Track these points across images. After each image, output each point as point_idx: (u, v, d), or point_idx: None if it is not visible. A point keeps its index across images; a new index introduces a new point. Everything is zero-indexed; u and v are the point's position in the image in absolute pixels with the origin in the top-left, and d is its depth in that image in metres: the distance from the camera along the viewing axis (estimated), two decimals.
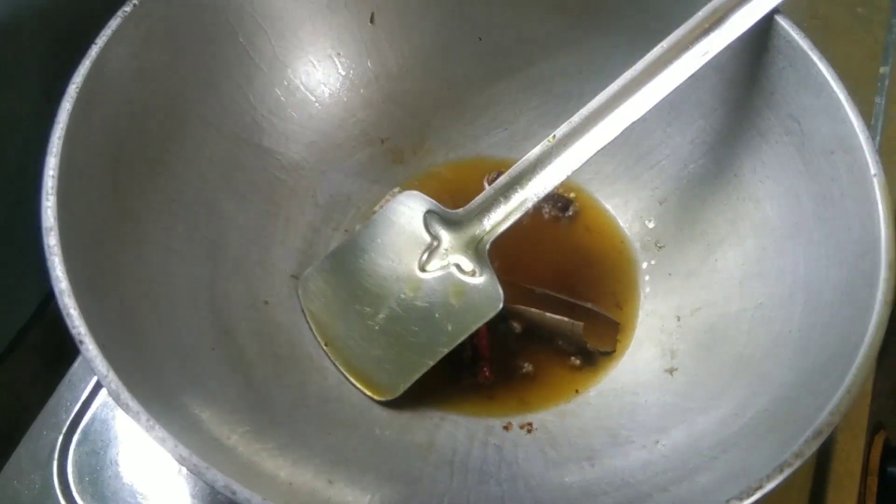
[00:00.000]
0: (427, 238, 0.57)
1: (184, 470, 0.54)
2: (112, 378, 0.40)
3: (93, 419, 0.57)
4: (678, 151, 0.62)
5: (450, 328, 0.56)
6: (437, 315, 0.56)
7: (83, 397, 0.58)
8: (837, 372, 0.43)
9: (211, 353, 0.51)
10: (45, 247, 0.42)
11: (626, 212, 0.66)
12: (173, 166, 0.55)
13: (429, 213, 0.57)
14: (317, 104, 0.64)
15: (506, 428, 0.56)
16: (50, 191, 0.44)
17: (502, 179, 0.55)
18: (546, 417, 0.56)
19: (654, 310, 0.61)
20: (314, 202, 0.64)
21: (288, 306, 0.59)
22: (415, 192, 0.59)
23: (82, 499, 0.54)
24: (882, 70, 0.76)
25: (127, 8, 0.50)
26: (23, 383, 0.61)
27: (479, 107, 0.68)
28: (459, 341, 0.56)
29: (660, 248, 0.62)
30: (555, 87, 0.66)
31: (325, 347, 0.58)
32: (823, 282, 0.50)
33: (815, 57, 0.52)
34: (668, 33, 0.53)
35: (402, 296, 0.57)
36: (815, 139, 0.52)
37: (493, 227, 0.56)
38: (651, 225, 0.64)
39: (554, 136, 0.54)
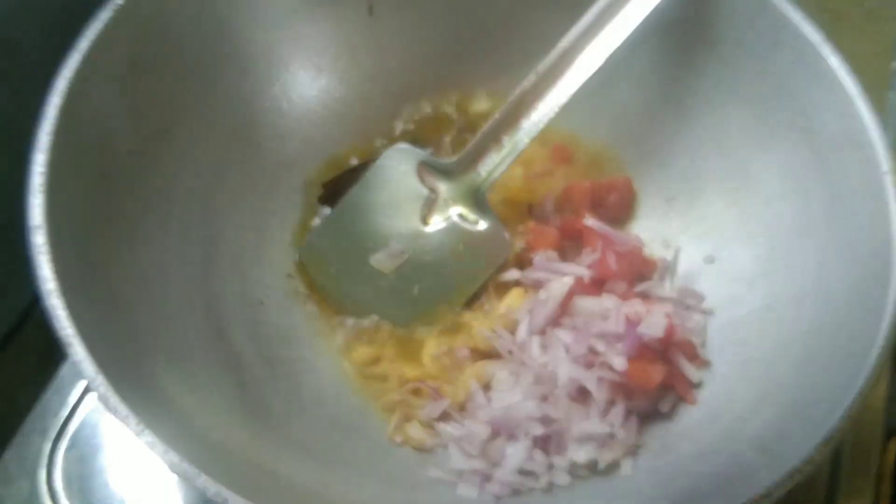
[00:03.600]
0: (424, 191, 0.56)
1: (175, 477, 0.53)
2: (101, 381, 0.39)
3: (82, 424, 0.56)
4: (685, 148, 0.61)
5: (461, 280, 0.55)
6: (446, 268, 0.56)
7: (72, 401, 0.57)
8: (849, 375, 0.42)
9: (204, 356, 0.50)
10: (33, 246, 0.42)
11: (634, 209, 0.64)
12: (166, 163, 0.54)
13: (421, 164, 0.57)
14: (313, 100, 0.63)
15: None
16: (37, 188, 0.43)
17: (490, 123, 0.55)
18: None
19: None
20: (310, 200, 0.63)
21: (284, 306, 0.58)
22: (404, 146, 0.58)
23: None
24: (894, 65, 0.75)
25: (119, 0, 0.49)
26: (11, 386, 0.60)
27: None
28: (473, 292, 0.55)
29: (667, 246, 0.61)
30: None
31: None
32: (834, 282, 0.49)
33: (825, 51, 0.51)
34: None
35: (408, 253, 0.56)
36: (825, 135, 0.51)
37: (489, 173, 0.55)
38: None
39: (536, 72, 0.54)
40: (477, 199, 0.55)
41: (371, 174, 0.58)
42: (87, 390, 0.57)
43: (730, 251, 0.57)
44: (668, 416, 0.52)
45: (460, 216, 0.56)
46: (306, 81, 0.63)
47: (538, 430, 0.49)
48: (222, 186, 0.58)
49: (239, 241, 0.58)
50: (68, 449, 0.55)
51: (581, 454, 0.49)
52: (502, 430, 0.50)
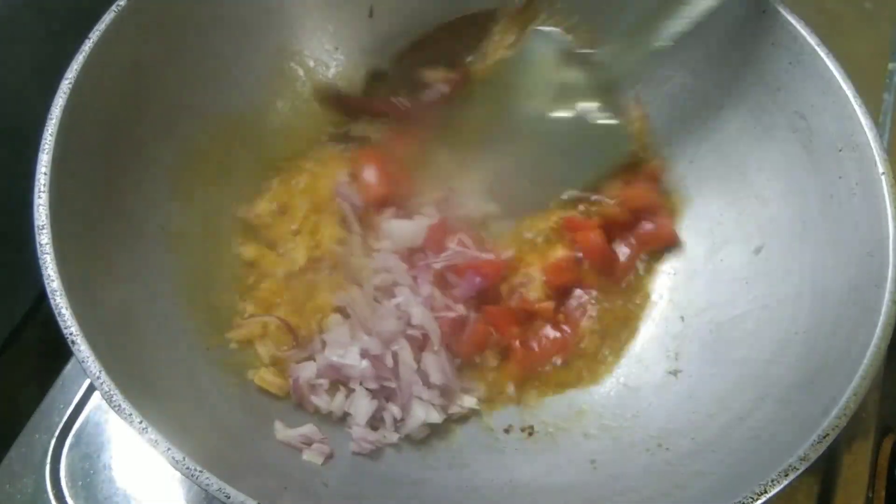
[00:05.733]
0: (562, 78, 0.56)
1: (178, 474, 0.54)
2: (104, 379, 0.39)
3: (86, 422, 0.57)
4: (682, 149, 0.61)
5: (586, 167, 0.56)
6: (571, 153, 0.56)
7: (76, 399, 0.57)
8: (844, 374, 0.43)
9: (206, 353, 0.51)
10: (37, 245, 0.42)
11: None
12: (169, 162, 0.54)
13: (562, 53, 0.55)
14: (313, 99, 0.63)
15: (506, 431, 0.55)
16: (42, 188, 0.43)
17: (631, 16, 0.54)
18: (547, 420, 0.56)
19: (658, 310, 0.60)
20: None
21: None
22: (549, 29, 0.57)
23: (75, 503, 0.54)
24: (891, 66, 0.75)
25: (121, 2, 0.50)
26: (16, 384, 0.61)
27: None
28: (589, 181, 0.56)
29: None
30: None
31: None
32: (830, 281, 0.49)
33: (822, 53, 0.51)
34: None
35: (532, 137, 0.56)
36: (821, 136, 0.52)
37: (626, 69, 0.54)
38: None
39: None
40: (611, 92, 0.55)
41: (512, 57, 0.58)
42: (90, 389, 0.57)
43: (727, 251, 0.58)
44: (667, 415, 0.53)
45: (589, 108, 0.55)
46: (308, 79, 0.63)
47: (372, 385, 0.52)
48: (225, 186, 0.58)
49: (239, 239, 0.58)
50: (72, 447, 0.56)
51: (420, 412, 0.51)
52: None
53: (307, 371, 0.53)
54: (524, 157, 0.57)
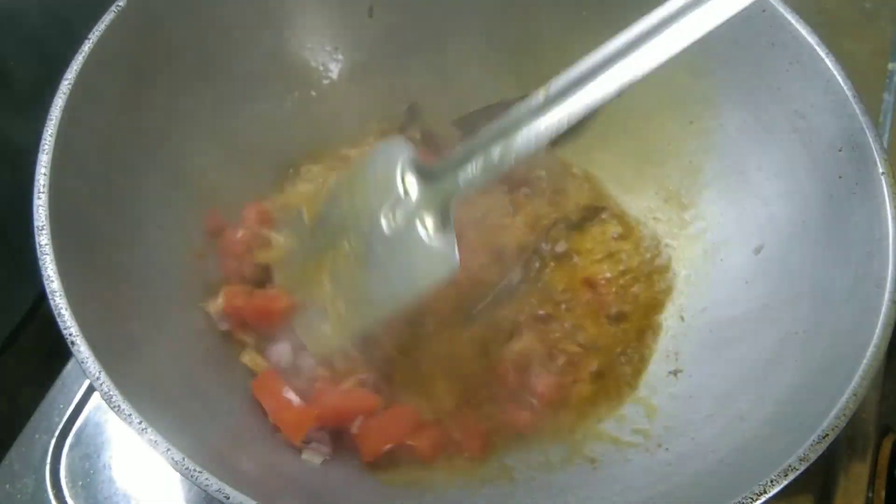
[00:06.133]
0: (399, 189, 0.53)
1: (177, 474, 0.54)
2: (104, 380, 0.39)
3: (86, 422, 0.57)
4: (681, 148, 0.61)
5: (401, 286, 0.52)
6: (389, 269, 0.52)
7: (76, 400, 0.57)
8: (844, 373, 0.43)
9: (205, 354, 0.51)
10: (37, 246, 0.42)
11: (630, 209, 0.65)
12: (169, 163, 0.54)
13: (406, 161, 0.53)
14: (315, 99, 0.63)
15: None
16: (42, 189, 0.43)
17: (485, 131, 0.49)
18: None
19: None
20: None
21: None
22: (397, 140, 0.56)
23: (75, 503, 0.54)
24: (890, 66, 0.75)
25: (121, 2, 0.50)
26: (15, 385, 0.61)
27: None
28: (408, 300, 0.52)
29: (665, 246, 0.62)
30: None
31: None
32: (830, 281, 0.49)
33: (822, 52, 0.51)
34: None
35: (357, 238, 0.53)
36: (821, 136, 0.52)
37: (467, 185, 0.50)
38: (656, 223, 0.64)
39: (548, 87, 0.47)
40: (444, 210, 0.51)
41: (359, 160, 0.58)
42: (90, 389, 0.57)
43: (727, 251, 0.58)
44: (667, 415, 0.53)
45: (421, 222, 0.52)
46: (311, 81, 0.63)
47: None
48: (225, 187, 0.58)
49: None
50: (72, 447, 0.56)
51: None
52: None
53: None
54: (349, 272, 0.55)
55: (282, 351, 0.54)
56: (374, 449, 0.51)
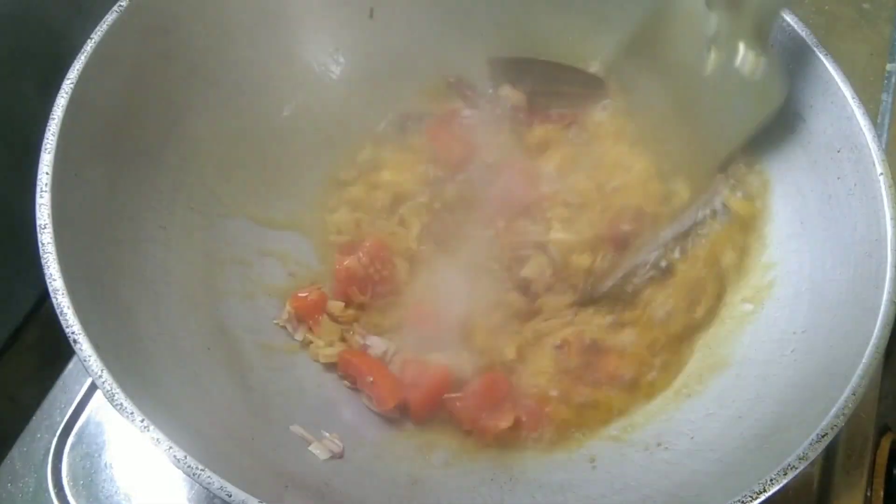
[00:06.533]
0: (711, 26, 0.51)
1: (180, 472, 0.54)
2: (106, 378, 0.39)
3: (88, 421, 0.57)
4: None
5: (728, 130, 0.52)
6: (715, 115, 0.52)
7: (78, 398, 0.57)
8: (843, 373, 0.43)
9: (207, 353, 0.51)
10: (40, 245, 0.42)
11: None
12: (171, 163, 0.54)
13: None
14: (318, 99, 0.63)
15: None
16: (44, 188, 0.44)
17: None
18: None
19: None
20: (313, 196, 0.63)
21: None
22: None
23: (77, 502, 0.54)
24: (889, 67, 0.76)
25: (123, 2, 0.50)
26: (17, 384, 0.61)
27: None
28: (739, 144, 0.53)
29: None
30: None
31: None
32: (829, 282, 0.49)
33: (820, 53, 0.51)
34: None
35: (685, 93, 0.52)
36: (820, 137, 0.52)
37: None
38: None
39: None
40: (760, 33, 0.50)
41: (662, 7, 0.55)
42: (92, 388, 0.57)
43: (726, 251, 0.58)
44: (666, 414, 0.53)
45: (740, 54, 0.51)
46: (313, 80, 0.63)
47: None
48: (226, 185, 0.58)
49: (243, 237, 0.58)
50: (74, 445, 0.56)
51: None
52: None
53: None
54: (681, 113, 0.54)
55: (378, 344, 0.56)
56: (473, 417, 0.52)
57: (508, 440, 0.52)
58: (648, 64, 0.55)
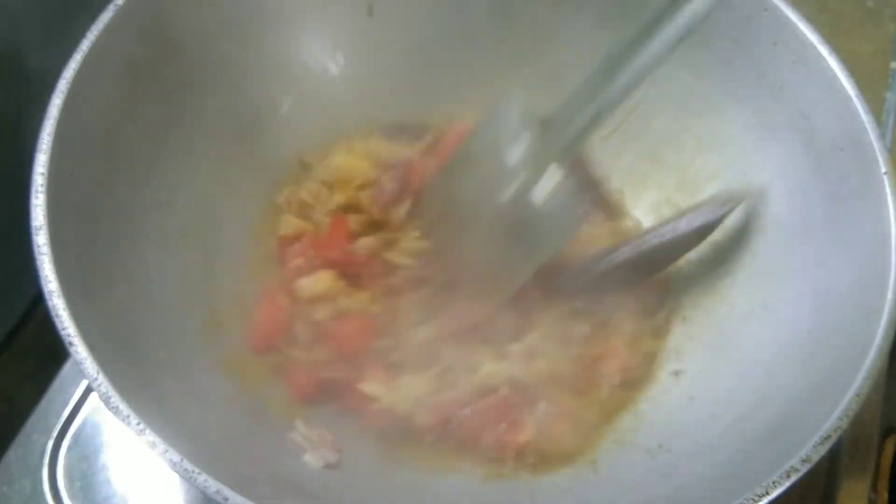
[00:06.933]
0: (512, 154, 0.49)
1: (176, 475, 0.53)
2: (102, 381, 0.39)
3: (84, 423, 0.56)
4: (683, 148, 0.61)
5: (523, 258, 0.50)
6: (507, 246, 0.50)
7: (74, 400, 0.57)
8: (847, 374, 0.43)
9: (203, 355, 0.50)
10: (35, 246, 0.42)
11: (631, 209, 0.65)
12: (167, 164, 0.54)
13: (518, 119, 0.50)
14: (316, 99, 0.63)
15: None
16: (39, 189, 0.43)
17: (587, 79, 0.46)
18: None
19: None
20: None
21: None
22: (516, 97, 0.51)
23: None
24: (893, 65, 0.75)
25: (119, 1, 0.50)
26: (13, 386, 0.61)
27: None
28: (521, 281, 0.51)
29: None
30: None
31: None
32: (833, 282, 0.49)
33: (824, 51, 0.51)
34: None
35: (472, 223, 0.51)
36: (824, 136, 0.51)
37: (586, 127, 0.46)
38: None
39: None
40: (561, 163, 0.48)
41: (475, 127, 0.55)
42: (88, 390, 0.57)
43: (729, 251, 0.57)
44: (668, 416, 0.53)
45: (535, 186, 0.48)
46: (310, 80, 0.63)
47: None
48: (224, 187, 0.58)
49: (240, 240, 0.58)
50: (70, 448, 0.56)
51: None
52: None
53: None
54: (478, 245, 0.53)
55: None
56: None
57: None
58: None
